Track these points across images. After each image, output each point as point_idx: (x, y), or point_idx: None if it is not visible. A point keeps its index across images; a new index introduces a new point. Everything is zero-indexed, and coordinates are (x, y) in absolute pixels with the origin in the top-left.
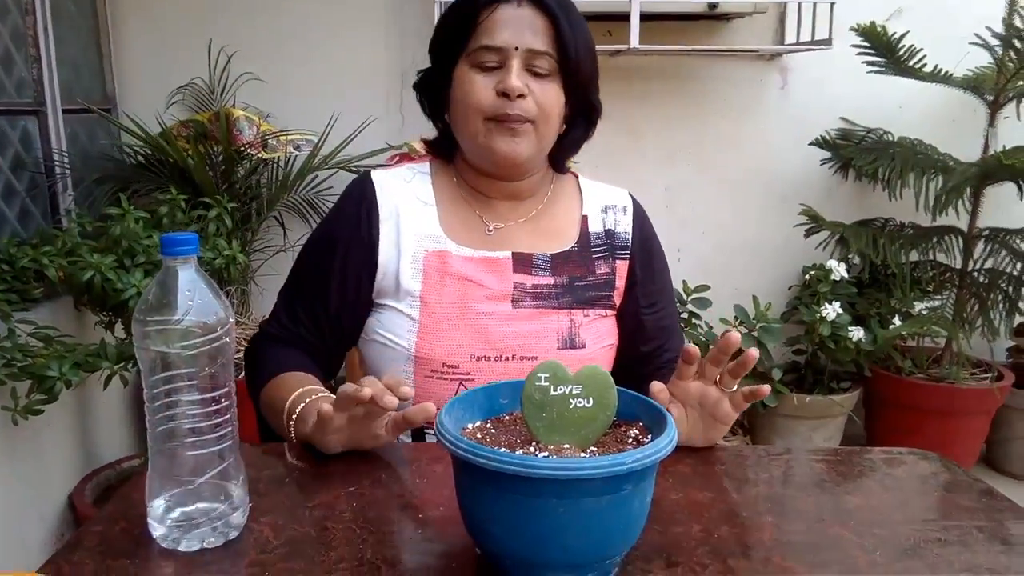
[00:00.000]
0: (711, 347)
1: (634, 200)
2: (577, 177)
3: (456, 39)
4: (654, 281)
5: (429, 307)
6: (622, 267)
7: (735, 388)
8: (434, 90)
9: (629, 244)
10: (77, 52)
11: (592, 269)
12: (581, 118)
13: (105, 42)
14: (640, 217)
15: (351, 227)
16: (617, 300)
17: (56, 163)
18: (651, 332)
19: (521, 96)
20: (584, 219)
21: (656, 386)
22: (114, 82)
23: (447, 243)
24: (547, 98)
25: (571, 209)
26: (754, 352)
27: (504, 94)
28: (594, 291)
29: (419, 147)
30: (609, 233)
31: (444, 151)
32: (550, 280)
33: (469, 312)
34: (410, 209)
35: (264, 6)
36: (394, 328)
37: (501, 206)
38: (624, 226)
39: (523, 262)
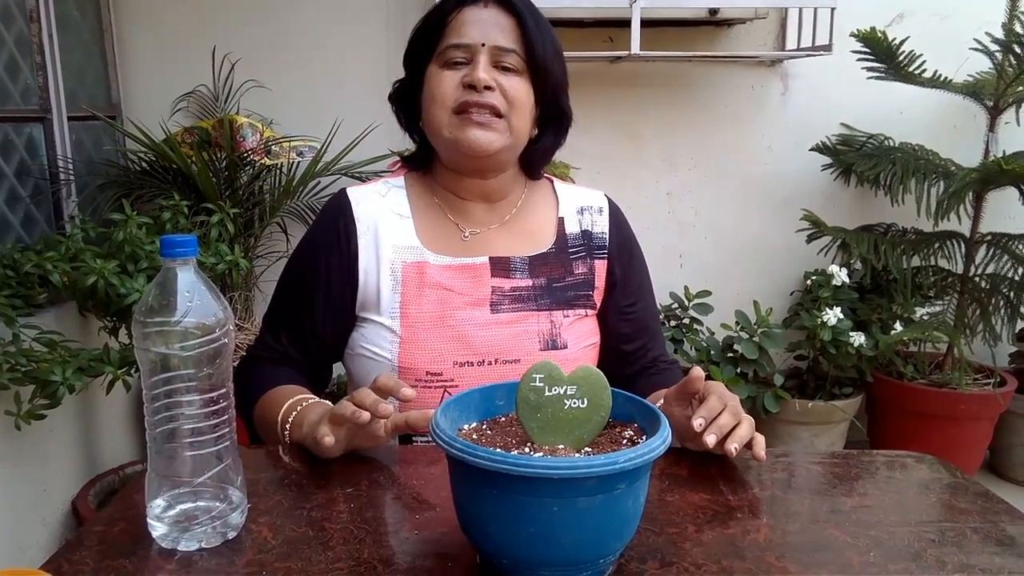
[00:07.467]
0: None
1: (610, 201)
2: (552, 182)
3: (426, 44)
4: (633, 280)
5: (409, 318)
6: (600, 267)
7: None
8: (408, 99)
9: (607, 244)
10: (82, 59)
11: (570, 269)
12: (552, 124)
13: (110, 49)
14: (616, 217)
15: (330, 243)
16: (597, 299)
17: (60, 169)
18: (633, 331)
19: (488, 88)
20: (560, 221)
21: (697, 372)
22: (119, 89)
23: (424, 253)
24: (516, 91)
25: (547, 211)
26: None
27: (471, 86)
28: (573, 291)
29: None
30: (586, 234)
31: (421, 164)
32: (528, 282)
33: (448, 320)
34: (387, 222)
35: (267, 14)
36: (377, 341)
37: (477, 211)
38: (601, 226)
39: (501, 266)
